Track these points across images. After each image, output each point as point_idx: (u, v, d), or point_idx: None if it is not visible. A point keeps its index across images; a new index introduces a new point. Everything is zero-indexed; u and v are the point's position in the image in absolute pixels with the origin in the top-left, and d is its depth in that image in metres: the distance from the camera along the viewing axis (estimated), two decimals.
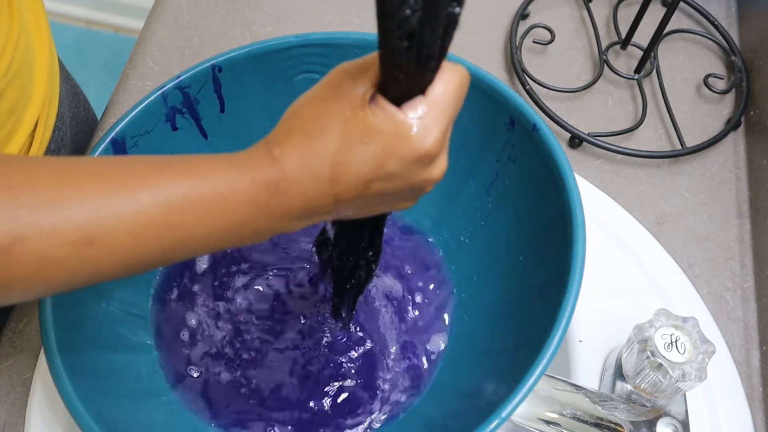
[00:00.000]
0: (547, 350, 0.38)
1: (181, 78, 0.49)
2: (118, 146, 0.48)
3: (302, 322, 0.52)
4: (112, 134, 0.48)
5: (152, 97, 0.49)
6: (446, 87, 0.32)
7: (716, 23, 0.72)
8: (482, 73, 0.48)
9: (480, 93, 0.49)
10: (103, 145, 0.47)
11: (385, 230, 0.56)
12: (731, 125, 0.65)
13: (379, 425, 0.48)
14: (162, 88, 0.49)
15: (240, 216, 0.32)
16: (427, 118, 0.31)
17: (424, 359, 0.51)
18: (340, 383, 0.50)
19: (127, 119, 0.48)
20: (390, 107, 0.31)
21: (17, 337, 0.53)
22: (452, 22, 0.29)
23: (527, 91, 0.66)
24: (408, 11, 0.27)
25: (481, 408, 0.40)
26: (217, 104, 0.52)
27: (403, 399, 0.49)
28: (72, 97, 0.61)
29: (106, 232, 0.30)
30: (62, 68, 0.62)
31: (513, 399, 0.37)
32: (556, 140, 0.45)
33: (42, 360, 0.52)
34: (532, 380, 0.37)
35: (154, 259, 0.32)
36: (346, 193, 0.32)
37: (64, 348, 0.41)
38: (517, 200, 0.49)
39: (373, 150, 0.31)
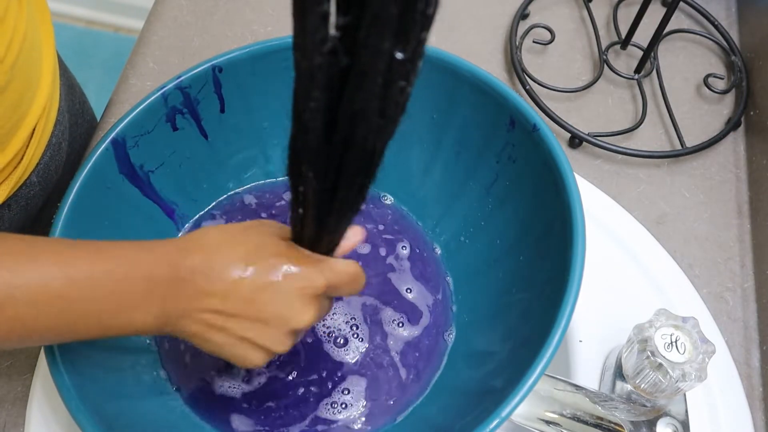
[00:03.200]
0: (547, 350, 0.38)
1: (181, 78, 0.49)
2: (119, 147, 0.48)
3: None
4: (113, 135, 0.48)
5: (153, 98, 0.49)
6: (347, 264, 0.39)
7: (716, 23, 0.72)
8: (482, 73, 0.48)
9: (480, 93, 0.49)
10: (103, 146, 0.47)
11: (386, 233, 0.56)
12: (731, 125, 0.65)
13: (379, 426, 0.48)
14: (162, 88, 0.49)
15: (135, 294, 0.35)
16: (316, 259, 0.38)
17: (423, 359, 0.51)
18: (340, 383, 0.50)
19: (127, 120, 0.48)
20: (293, 244, 0.38)
21: None
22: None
23: (527, 91, 0.66)
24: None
25: (481, 408, 0.40)
26: (218, 104, 0.52)
27: (402, 399, 0.49)
28: (68, 89, 0.61)
29: (10, 301, 0.32)
30: (60, 60, 0.62)
31: (513, 399, 0.37)
32: (556, 140, 0.45)
33: (42, 360, 0.52)
34: (531, 380, 0.37)
35: (48, 332, 0.34)
36: (233, 301, 0.36)
37: (65, 348, 0.41)
38: (517, 201, 0.49)
39: (271, 263, 0.36)
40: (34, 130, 0.49)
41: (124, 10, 1.69)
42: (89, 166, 0.47)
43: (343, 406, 0.49)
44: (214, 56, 0.50)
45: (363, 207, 0.35)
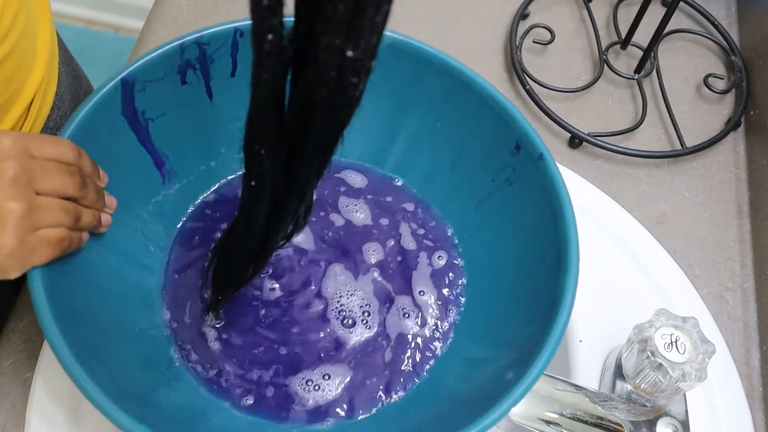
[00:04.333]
0: (521, 386, 0.38)
1: (202, 33, 0.48)
2: (127, 87, 0.47)
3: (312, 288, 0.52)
4: (124, 74, 0.47)
5: (170, 46, 0.48)
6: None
7: (716, 23, 0.72)
8: (495, 94, 0.49)
9: (490, 112, 0.49)
10: (112, 83, 0.46)
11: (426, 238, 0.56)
12: (731, 125, 0.66)
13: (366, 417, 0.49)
14: (182, 39, 0.48)
15: None
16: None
17: (421, 356, 0.51)
18: (325, 365, 0.49)
19: (140, 62, 0.47)
20: None
21: (17, 337, 0.53)
22: None
23: (527, 91, 0.65)
24: None
25: (470, 411, 0.40)
26: (230, 67, 0.51)
27: (397, 394, 0.49)
28: (73, 79, 0.61)
29: None
30: (65, 50, 0.62)
31: (489, 417, 0.37)
32: (560, 173, 0.46)
33: (42, 360, 0.51)
34: (505, 407, 0.38)
35: None
36: None
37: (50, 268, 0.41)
38: (507, 224, 0.50)
39: None
40: (28, 110, 0.49)
41: (124, 10, 1.69)
42: (95, 100, 0.45)
43: (316, 388, 0.48)
44: (238, 19, 0.49)
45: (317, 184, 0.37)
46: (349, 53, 0.28)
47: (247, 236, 0.40)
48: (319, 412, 0.48)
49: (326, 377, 0.49)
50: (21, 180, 0.36)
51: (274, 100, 0.32)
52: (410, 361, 0.50)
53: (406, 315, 0.52)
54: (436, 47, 0.50)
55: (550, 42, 0.69)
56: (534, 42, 0.69)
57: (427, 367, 0.50)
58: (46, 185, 0.38)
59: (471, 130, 0.51)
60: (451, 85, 0.50)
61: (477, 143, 0.51)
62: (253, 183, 0.36)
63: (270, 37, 0.29)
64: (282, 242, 0.42)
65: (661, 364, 0.43)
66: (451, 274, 0.54)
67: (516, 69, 0.67)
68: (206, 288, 0.50)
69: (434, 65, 0.50)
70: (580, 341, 0.53)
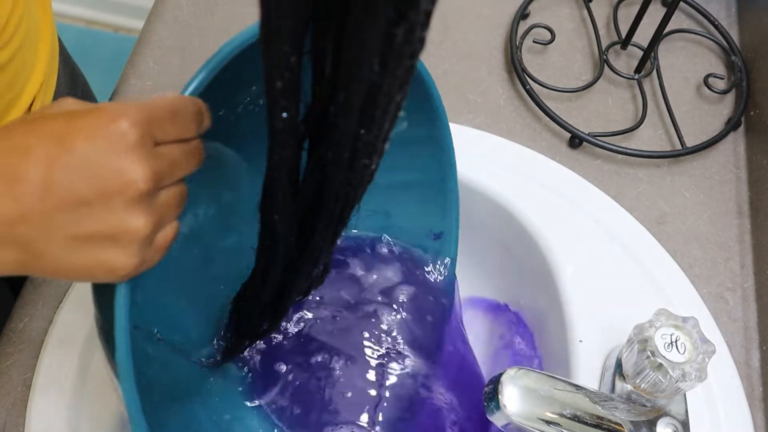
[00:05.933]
0: None
1: None
2: None
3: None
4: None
5: None
6: (159, 97, 0.31)
7: (716, 23, 0.72)
8: (454, 183, 0.50)
9: (439, 195, 0.51)
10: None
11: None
12: (731, 125, 0.66)
13: None
14: None
15: None
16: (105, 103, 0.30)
17: None
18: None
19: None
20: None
21: (17, 337, 0.53)
22: None
23: (527, 91, 0.65)
24: None
25: None
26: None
27: None
28: (70, 78, 0.61)
29: None
30: (62, 49, 0.62)
31: None
32: (458, 293, 0.50)
33: (42, 360, 0.51)
34: None
35: None
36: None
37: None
38: None
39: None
40: (29, 111, 0.49)
41: (124, 10, 1.69)
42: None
43: None
44: None
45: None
46: (363, 137, 0.29)
47: (261, 293, 0.41)
48: None
49: None
50: (151, 191, 0.29)
51: (288, 171, 0.33)
52: None
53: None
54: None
55: (550, 42, 0.69)
56: (534, 42, 0.69)
57: None
58: (169, 181, 0.31)
59: (406, 202, 0.52)
60: (428, 153, 0.50)
61: (408, 206, 0.52)
62: (268, 244, 0.37)
63: (284, 115, 0.29)
64: (298, 299, 0.43)
65: (661, 364, 0.43)
66: None
67: (516, 69, 0.67)
68: (227, 334, 0.49)
69: (427, 124, 0.49)
70: (580, 341, 0.53)
